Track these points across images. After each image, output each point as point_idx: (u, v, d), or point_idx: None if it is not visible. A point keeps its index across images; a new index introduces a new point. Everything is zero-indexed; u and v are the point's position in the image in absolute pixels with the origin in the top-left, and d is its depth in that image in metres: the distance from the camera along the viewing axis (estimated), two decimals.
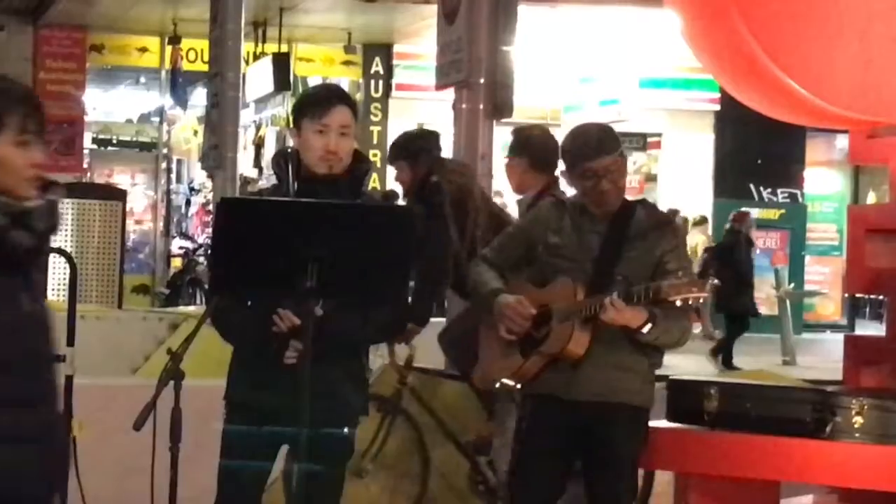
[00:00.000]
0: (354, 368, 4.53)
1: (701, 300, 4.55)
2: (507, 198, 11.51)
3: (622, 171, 4.97)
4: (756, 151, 21.71)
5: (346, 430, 4.46)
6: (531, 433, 4.99)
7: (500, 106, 8.96)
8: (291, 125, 4.69)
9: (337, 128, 4.49)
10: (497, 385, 5.19)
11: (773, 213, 21.39)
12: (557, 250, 4.98)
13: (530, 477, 4.96)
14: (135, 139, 23.16)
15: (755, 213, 19.70)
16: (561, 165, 5.15)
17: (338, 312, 4.29)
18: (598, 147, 4.92)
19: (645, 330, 4.75)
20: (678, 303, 4.57)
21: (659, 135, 21.42)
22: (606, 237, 4.94)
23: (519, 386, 5.08)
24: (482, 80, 8.88)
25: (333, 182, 4.45)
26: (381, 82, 21.16)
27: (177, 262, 20.97)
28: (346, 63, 21.16)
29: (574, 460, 4.99)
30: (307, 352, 3.94)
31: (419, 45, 18.91)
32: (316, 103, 4.54)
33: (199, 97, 21.65)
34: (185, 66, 20.66)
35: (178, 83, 21.01)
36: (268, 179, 19.04)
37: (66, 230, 14.34)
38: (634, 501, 5.20)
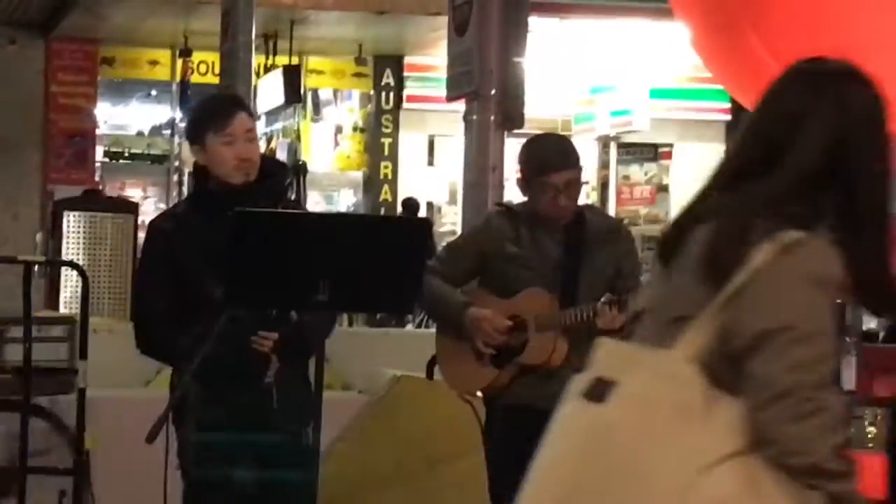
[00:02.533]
0: (305, 370, 4.39)
1: None
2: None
3: (580, 184, 4.96)
4: None
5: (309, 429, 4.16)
6: (506, 445, 4.80)
7: (510, 117, 8.94)
8: (190, 144, 4.58)
9: (242, 134, 4.45)
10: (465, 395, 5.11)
11: None
12: (517, 260, 4.95)
13: (510, 491, 4.92)
14: (146, 152, 23.13)
15: None
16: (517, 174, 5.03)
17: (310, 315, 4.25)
18: (562, 160, 4.90)
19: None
20: None
21: (670, 145, 21.38)
22: (566, 245, 4.93)
23: (480, 395, 5.05)
24: (493, 92, 8.86)
25: (251, 189, 4.41)
26: (391, 94, 21.14)
27: None
28: (357, 75, 21.16)
29: None
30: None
31: (430, 56, 18.91)
32: (216, 115, 4.48)
33: None
34: (196, 78, 20.65)
35: (188, 95, 21.01)
36: None
37: (78, 243, 14.36)
38: None
